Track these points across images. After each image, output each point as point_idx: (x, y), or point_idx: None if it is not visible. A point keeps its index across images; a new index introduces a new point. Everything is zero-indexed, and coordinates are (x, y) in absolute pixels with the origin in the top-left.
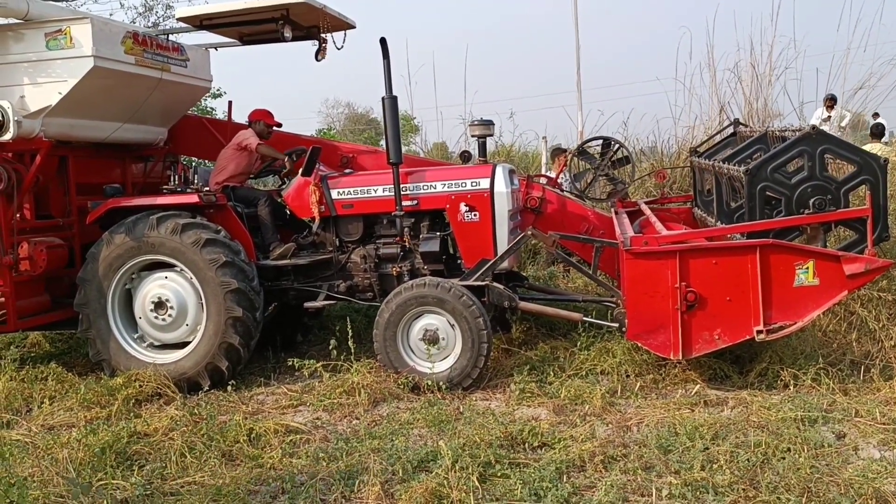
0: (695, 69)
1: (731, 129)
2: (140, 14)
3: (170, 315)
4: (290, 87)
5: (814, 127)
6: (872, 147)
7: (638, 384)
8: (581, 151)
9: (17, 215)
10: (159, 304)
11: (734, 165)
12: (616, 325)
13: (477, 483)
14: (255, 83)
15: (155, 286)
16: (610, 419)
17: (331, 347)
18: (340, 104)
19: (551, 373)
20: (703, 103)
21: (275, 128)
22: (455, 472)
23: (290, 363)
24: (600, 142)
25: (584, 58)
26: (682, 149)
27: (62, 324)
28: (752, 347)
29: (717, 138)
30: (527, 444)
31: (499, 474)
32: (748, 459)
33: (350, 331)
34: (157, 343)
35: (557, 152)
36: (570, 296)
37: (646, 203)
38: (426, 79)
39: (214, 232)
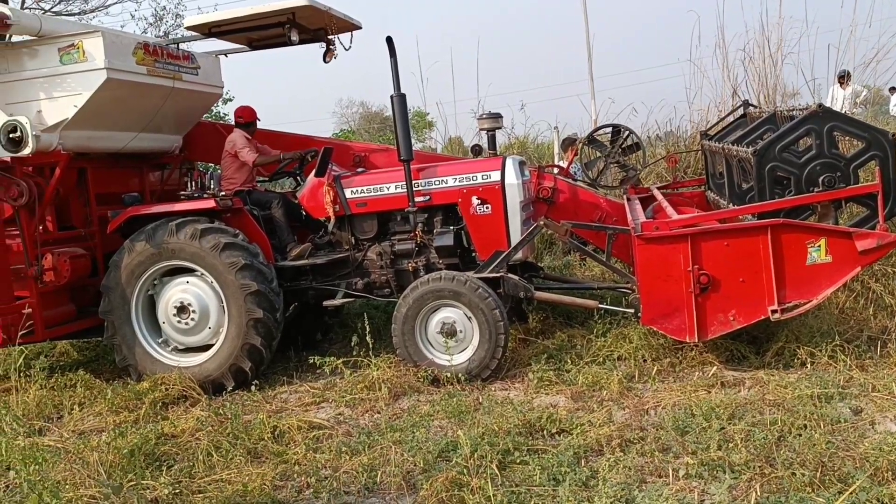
0: (705, 51)
1: (741, 111)
2: (150, 24)
3: (192, 319)
4: (303, 89)
5: (820, 105)
6: None
7: (655, 368)
8: (591, 140)
9: (40, 227)
10: (182, 309)
11: (743, 147)
12: (632, 310)
13: (496, 470)
14: (268, 87)
15: (177, 291)
16: (627, 404)
17: (352, 344)
18: (354, 104)
19: (569, 360)
20: (716, 86)
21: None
22: (474, 460)
23: (312, 361)
24: (610, 129)
25: (595, 45)
26: (696, 132)
27: (88, 332)
28: (768, 327)
29: (728, 120)
30: (545, 431)
31: (517, 461)
32: (764, 437)
33: (369, 327)
34: (181, 347)
35: (568, 142)
36: (585, 284)
37: (658, 188)
38: (441, 74)
39: (232, 236)
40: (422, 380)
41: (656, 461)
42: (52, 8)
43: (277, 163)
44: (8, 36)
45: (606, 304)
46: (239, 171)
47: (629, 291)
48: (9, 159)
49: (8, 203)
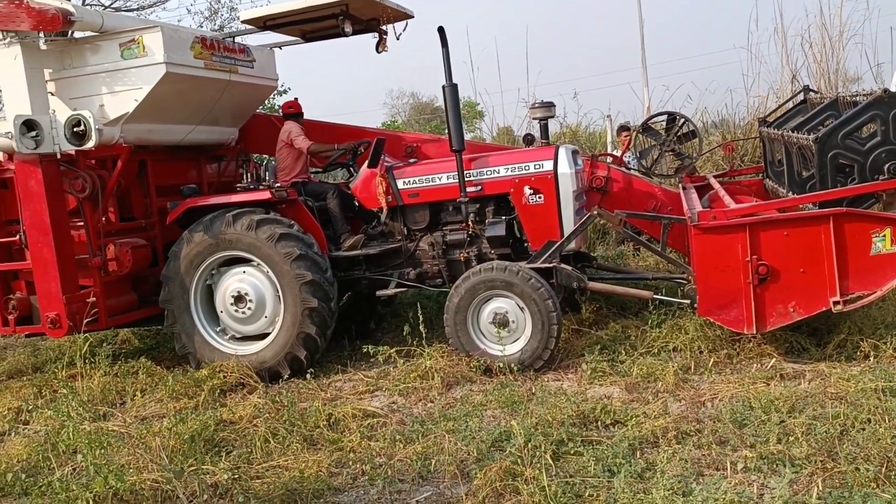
0: (762, 36)
1: (801, 97)
2: (206, 18)
3: (249, 308)
4: (354, 80)
5: (886, 90)
6: None
7: (711, 360)
8: (646, 128)
9: (103, 219)
10: (239, 298)
11: (804, 134)
12: (687, 301)
13: (550, 461)
14: (320, 78)
15: (234, 281)
16: (683, 395)
17: (404, 334)
18: (405, 95)
19: (623, 351)
20: (775, 72)
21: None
22: (528, 450)
23: (366, 350)
24: (665, 117)
25: (648, 32)
26: (754, 119)
27: (149, 320)
28: (829, 319)
29: (788, 106)
30: (599, 422)
31: (571, 452)
32: (826, 431)
33: (421, 317)
34: (238, 335)
35: (622, 130)
36: (639, 274)
37: (714, 177)
38: (490, 63)
39: (288, 226)
40: (474, 369)
41: (714, 454)
42: (111, 4)
43: (331, 152)
44: (70, 32)
45: (661, 295)
46: (294, 161)
47: (684, 282)
48: (73, 153)
49: (73, 195)
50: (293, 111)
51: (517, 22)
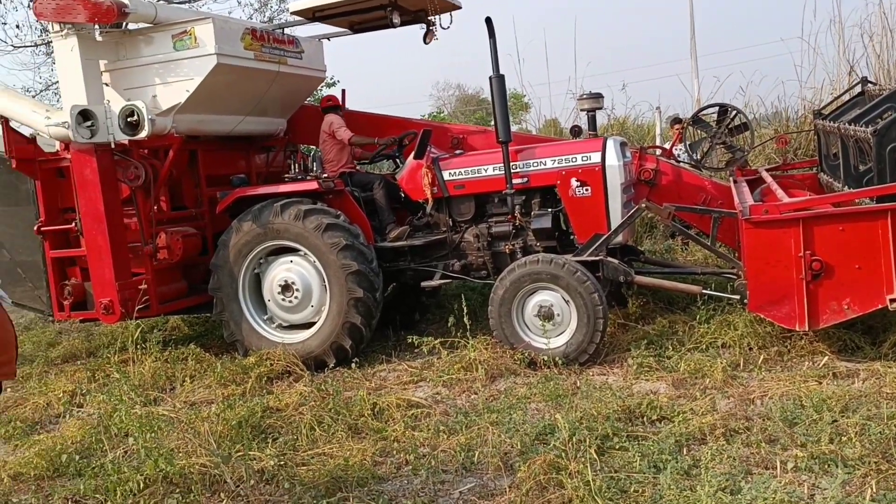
0: (820, 27)
1: (858, 89)
2: (256, 10)
3: (296, 297)
4: (400, 71)
5: None
6: None
7: (761, 357)
8: (696, 120)
9: (155, 207)
10: (286, 287)
11: (861, 126)
12: (737, 297)
13: (595, 455)
14: (366, 70)
15: (281, 270)
16: (732, 392)
17: (449, 325)
18: (451, 86)
19: (670, 347)
20: (831, 63)
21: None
22: (573, 444)
23: (410, 341)
24: (716, 109)
25: (699, 22)
26: (808, 112)
27: (198, 308)
28: (885, 317)
29: (844, 99)
30: (645, 418)
31: (617, 447)
32: (881, 432)
33: (466, 308)
34: (285, 324)
35: (675, 122)
36: (688, 268)
37: (767, 170)
38: (537, 55)
39: (334, 217)
40: (518, 362)
41: (763, 452)
42: None
43: (373, 145)
44: (125, 24)
45: (710, 290)
46: (340, 153)
47: (734, 277)
48: (126, 142)
49: (126, 184)
50: (332, 104)
51: (566, 12)
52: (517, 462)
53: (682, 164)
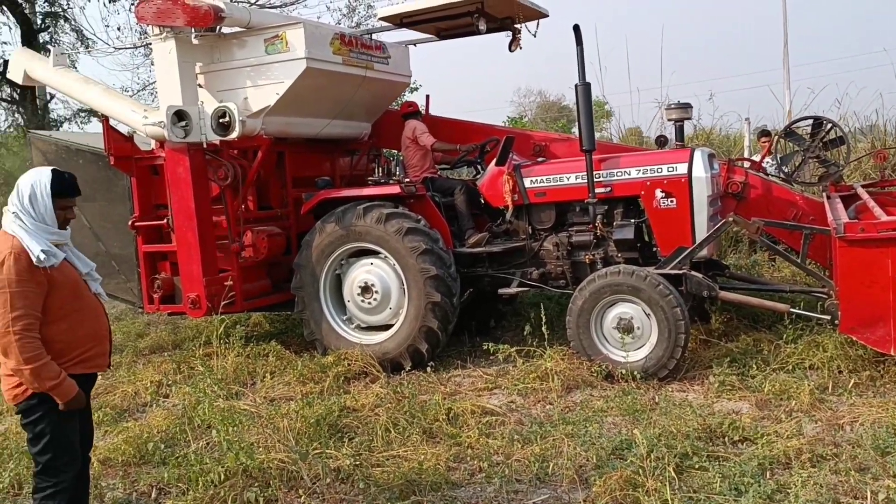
0: None
1: None
2: (344, 15)
3: (375, 299)
4: (481, 77)
5: None
6: None
7: (852, 381)
8: (788, 132)
9: (242, 206)
10: (365, 289)
11: None
12: (827, 317)
13: (673, 474)
14: (448, 75)
15: (362, 272)
16: (819, 416)
17: (525, 333)
18: (532, 93)
19: (754, 366)
20: None
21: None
22: (650, 461)
23: (485, 347)
24: (810, 121)
25: (792, 31)
26: None
27: (280, 305)
28: None
29: None
30: (726, 438)
31: (696, 466)
32: None
33: (543, 317)
34: (363, 325)
35: (763, 135)
36: (775, 286)
37: (863, 186)
38: (619, 63)
39: (415, 221)
40: (595, 374)
41: (852, 481)
42: (257, 1)
43: (455, 151)
44: (219, 28)
45: (798, 309)
46: (422, 158)
47: (825, 296)
48: (217, 142)
49: (216, 183)
50: (412, 110)
51: (651, 20)
52: (592, 476)
53: (771, 177)
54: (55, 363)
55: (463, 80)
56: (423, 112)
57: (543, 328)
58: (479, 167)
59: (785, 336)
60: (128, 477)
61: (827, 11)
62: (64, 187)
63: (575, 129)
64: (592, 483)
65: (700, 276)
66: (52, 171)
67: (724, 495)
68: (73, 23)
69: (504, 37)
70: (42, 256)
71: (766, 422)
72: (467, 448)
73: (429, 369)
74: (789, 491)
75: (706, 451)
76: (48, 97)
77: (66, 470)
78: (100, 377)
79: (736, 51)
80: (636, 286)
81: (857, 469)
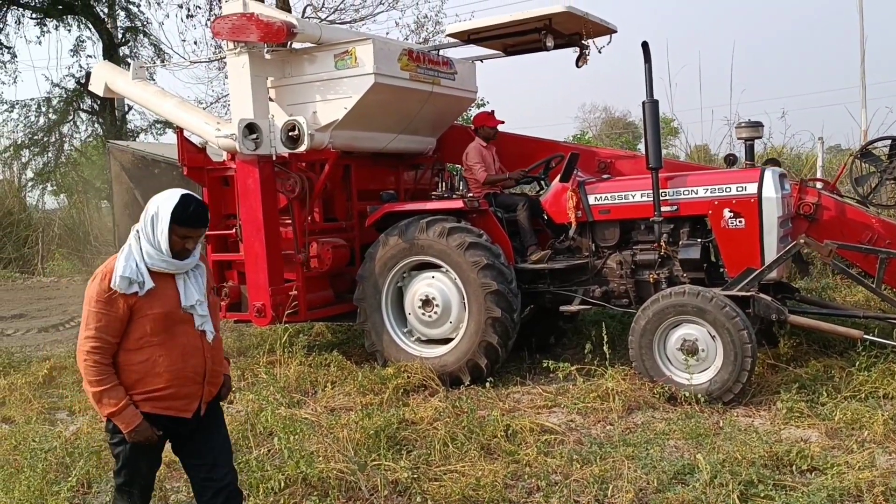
0: None
1: None
2: (412, 31)
3: (435, 312)
4: (545, 92)
5: None
6: None
7: None
8: (865, 153)
9: (308, 218)
10: (426, 302)
11: None
12: None
13: (737, 501)
14: (514, 90)
15: (423, 285)
16: (893, 448)
17: (586, 352)
18: (597, 108)
19: (824, 393)
20: None
21: (499, 126)
22: (713, 487)
23: (545, 365)
24: (888, 142)
25: (870, 49)
26: None
27: (342, 316)
28: None
29: None
30: (794, 467)
31: (762, 495)
32: None
33: (605, 336)
34: (423, 338)
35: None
36: (847, 311)
37: None
38: (689, 80)
39: (477, 236)
40: (657, 396)
41: None
42: (327, 17)
43: (506, 181)
44: (290, 43)
45: (872, 336)
46: (476, 182)
47: None
48: (286, 155)
49: (284, 194)
50: (481, 125)
51: (722, 37)
52: (653, 500)
53: (846, 199)
54: (123, 390)
55: (526, 94)
56: (495, 129)
57: (605, 347)
58: (542, 183)
59: (858, 363)
60: None
61: None
62: (185, 215)
63: (640, 146)
64: None
65: (769, 298)
66: (182, 195)
67: None
68: (151, 37)
69: (571, 52)
70: (118, 282)
71: (837, 451)
72: (525, 466)
73: (488, 384)
74: None
75: (772, 479)
76: (126, 108)
77: (134, 498)
78: None
79: (810, 68)
80: (701, 307)
81: None
